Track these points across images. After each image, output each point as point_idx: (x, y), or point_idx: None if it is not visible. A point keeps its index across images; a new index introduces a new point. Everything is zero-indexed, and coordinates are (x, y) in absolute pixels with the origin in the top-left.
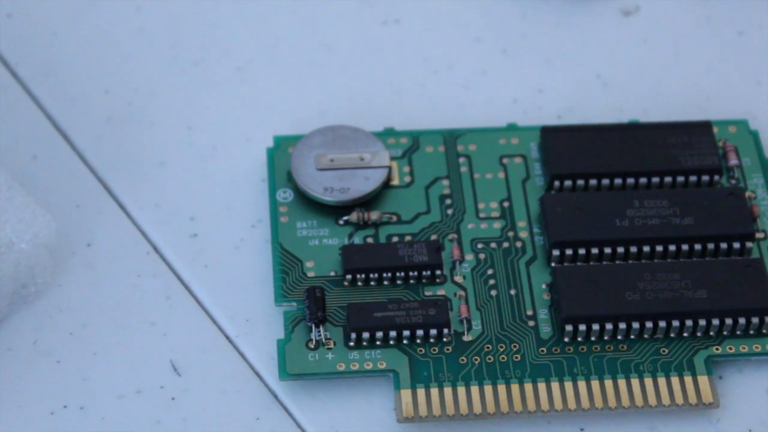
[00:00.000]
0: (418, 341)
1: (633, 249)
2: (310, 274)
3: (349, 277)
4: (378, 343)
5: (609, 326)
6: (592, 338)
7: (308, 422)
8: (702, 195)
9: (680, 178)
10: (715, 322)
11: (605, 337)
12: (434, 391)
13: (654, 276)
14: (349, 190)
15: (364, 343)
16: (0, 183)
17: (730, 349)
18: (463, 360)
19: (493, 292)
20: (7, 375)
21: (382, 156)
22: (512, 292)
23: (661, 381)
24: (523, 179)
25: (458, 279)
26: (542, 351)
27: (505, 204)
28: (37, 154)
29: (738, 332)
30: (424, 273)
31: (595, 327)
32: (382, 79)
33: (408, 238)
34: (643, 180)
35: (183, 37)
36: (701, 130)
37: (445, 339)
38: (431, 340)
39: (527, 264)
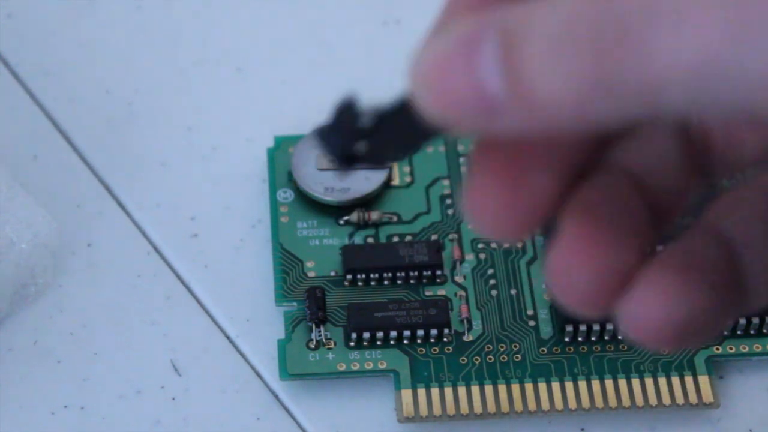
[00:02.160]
0: (419, 341)
1: None
2: (311, 274)
3: (349, 277)
4: (378, 343)
5: (609, 326)
6: (593, 338)
7: (309, 422)
8: None
9: None
10: None
11: (605, 337)
12: (435, 391)
13: None
14: (350, 190)
15: (365, 343)
16: (0, 183)
17: (731, 348)
18: (463, 360)
19: (494, 292)
20: (7, 375)
21: None
22: (513, 292)
23: (662, 381)
24: None
25: (459, 279)
26: (543, 351)
27: None
28: (37, 154)
29: (738, 332)
30: (424, 273)
31: (596, 327)
32: (382, 79)
33: (408, 238)
34: None
35: (183, 37)
36: None
37: (445, 339)
38: (432, 340)
39: (528, 264)
